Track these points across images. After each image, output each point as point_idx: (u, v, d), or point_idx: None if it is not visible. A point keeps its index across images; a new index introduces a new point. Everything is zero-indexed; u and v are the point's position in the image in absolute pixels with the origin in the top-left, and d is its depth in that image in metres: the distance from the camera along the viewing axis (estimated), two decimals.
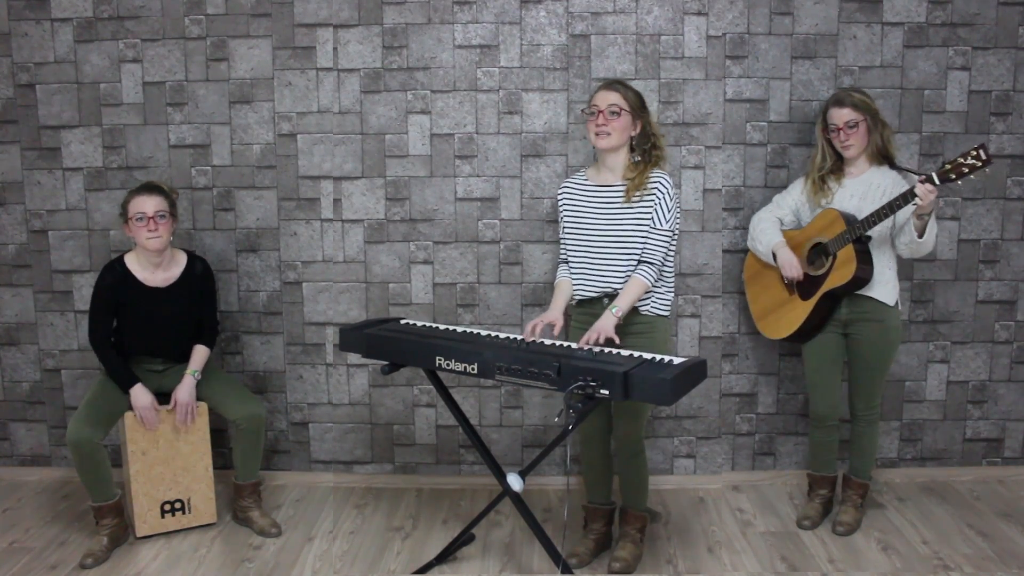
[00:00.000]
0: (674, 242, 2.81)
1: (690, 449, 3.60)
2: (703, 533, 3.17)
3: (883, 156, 3.00)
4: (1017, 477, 3.59)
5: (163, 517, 3.16)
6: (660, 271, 2.77)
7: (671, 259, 2.83)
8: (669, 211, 2.75)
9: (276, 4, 3.38)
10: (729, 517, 3.30)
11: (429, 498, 3.51)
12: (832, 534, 3.12)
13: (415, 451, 3.64)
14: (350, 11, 3.38)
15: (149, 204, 3.00)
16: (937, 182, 2.69)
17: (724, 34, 3.36)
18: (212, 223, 3.52)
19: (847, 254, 2.92)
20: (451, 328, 2.93)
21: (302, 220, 3.51)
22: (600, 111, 2.74)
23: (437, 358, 2.66)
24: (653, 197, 2.74)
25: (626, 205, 2.76)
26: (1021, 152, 3.42)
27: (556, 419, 3.54)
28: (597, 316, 2.71)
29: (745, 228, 3.34)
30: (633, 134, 2.79)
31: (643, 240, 2.75)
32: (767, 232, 3.14)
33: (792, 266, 3.04)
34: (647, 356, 2.51)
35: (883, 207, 2.81)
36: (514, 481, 2.71)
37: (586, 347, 2.61)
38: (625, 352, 2.58)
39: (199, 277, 3.17)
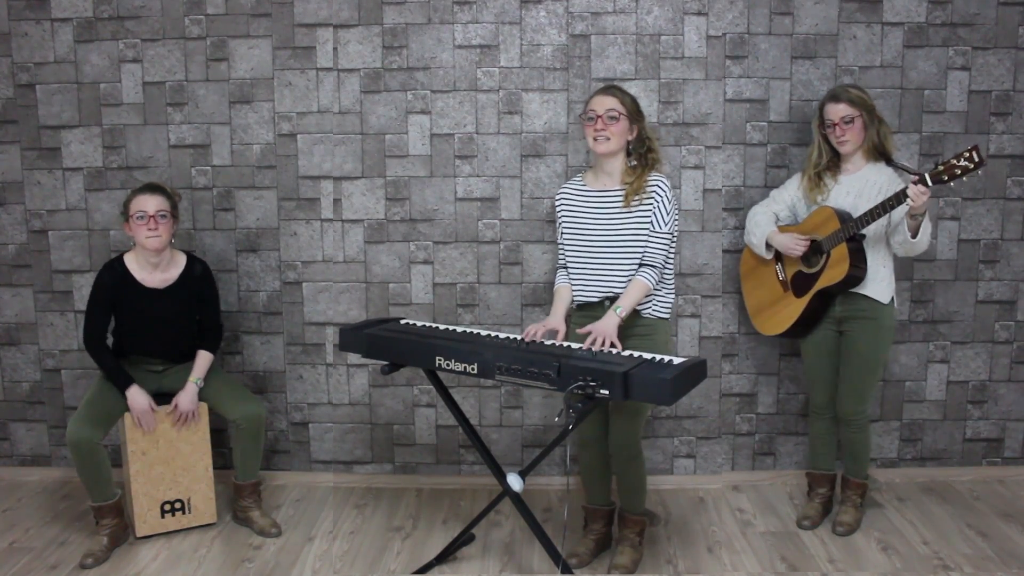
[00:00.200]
0: (674, 244, 2.81)
1: (690, 449, 3.60)
2: (703, 533, 3.17)
3: (879, 152, 3.00)
4: (1017, 477, 3.59)
5: (163, 517, 3.16)
6: (661, 274, 2.78)
7: (671, 262, 2.83)
8: (668, 214, 2.75)
9: (276, 4, 3.38)
10: (729, 517, 3.30)
11: (429, 498, 3.51)
12: (832, 534, 3.12)
13: (415, 451, 3.64)
14: (350, 11, 3.38)
15: (151, 203, 3.00)
16: (930, 183, 2.68)
17: (724, 34, 3.36)
18: (212, 223, 3.52)
19: (841, 252, 2.92)
20: (451, 328, 2.93)
21: (302, 220, 3.51)
22: (599, 116, 2.74)
23: (437, 358, 2.66)
24: (652, 200, 2.74)
25: (625, 209, 2.76)
26: (1021, 152, 3.42)
27: (556, 419, 3.53)
28: (597, 319, 2.71)
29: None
30: (630, 138, 2.79)
31: (643, 243, 2.75)
32: (761, 224, 3.14)
33: (792, 243, 3.03)
34: (647, 356, 2.51)
35: (876, 207, 2.81)
36: (514, 481, 2.71)
37: (590, 348, 2.61)
38: (625, 352, 2.58)
39: (198, 279, 3.17)
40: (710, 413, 3.57)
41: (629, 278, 2.75)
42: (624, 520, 2.95)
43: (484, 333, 2.85)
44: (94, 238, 3.53)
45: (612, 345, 2.61)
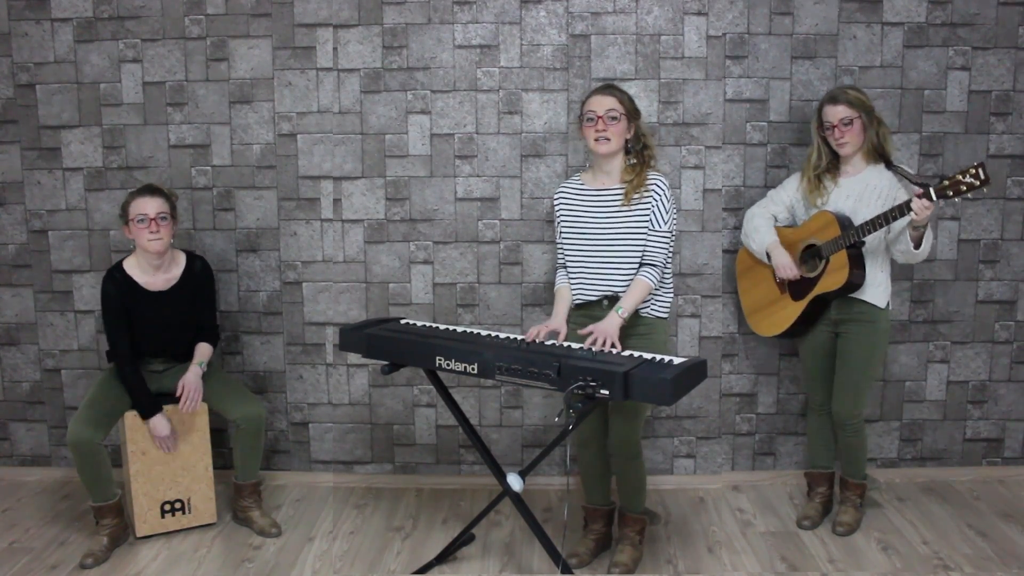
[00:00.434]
0: (672, 243, 2.81)
1: (690, 449, 3.60)
2: (703, 533, 3.17)
3: (879, 154, 3.00)
4: (1017, 477, 3.59)
5: (163, 517, 3.16)
6: (662, 273, 2.78)
7: (670, 262, 2.83)
8: (667, 212, 2.75)
9: (276, 4, 3.38)
10: (729, 517, 3.30)
11: (429, 498, 3.51)
12: (832, 534, 3.12)
13: (415, 451, 3.64)
14: (350, 11, 3.38)
15: (151, 206, 2.99)
16: (934, 198, 2.68)
17: (724, 34, 3.36)
18: (212, 223, 3.52)
19: (840, 260, 2.92)
20: (451, 328, 2.93)
21: (302, 220, 3.51)
22: (599, 116, 2.74)
23: (437, 358, 2.66)
24: (650, 199, 2.74)
25: (624, 208, 2.76)
26: (1021, 152, 3.42)
27: (556, 419, 3.53)
28: (597, 319, 2.71)
29: None
30: (628, 137, 2.79)
31: (642, 242, 2.75)
32: (761, 230, 3.14)
33: (787, 267, 3.04)
34: (647, 356, 2.51)
35: (879, 217, 2.81)
36: (514, 481, 2.71)
37: (590, 348, 2.61)
38: (625, 352, 2.58)
39: (198, 275, 3.17)
40: (710, 413, 3.57)
41: (628, 277, 2.75)
42: (624, 519, 2.95)
43: (484, 333, 2.85)
44: (94, 238, 3.53)
45: (612, 345, 2.61)
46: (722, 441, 3.59)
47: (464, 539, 2.99)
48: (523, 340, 2.72)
